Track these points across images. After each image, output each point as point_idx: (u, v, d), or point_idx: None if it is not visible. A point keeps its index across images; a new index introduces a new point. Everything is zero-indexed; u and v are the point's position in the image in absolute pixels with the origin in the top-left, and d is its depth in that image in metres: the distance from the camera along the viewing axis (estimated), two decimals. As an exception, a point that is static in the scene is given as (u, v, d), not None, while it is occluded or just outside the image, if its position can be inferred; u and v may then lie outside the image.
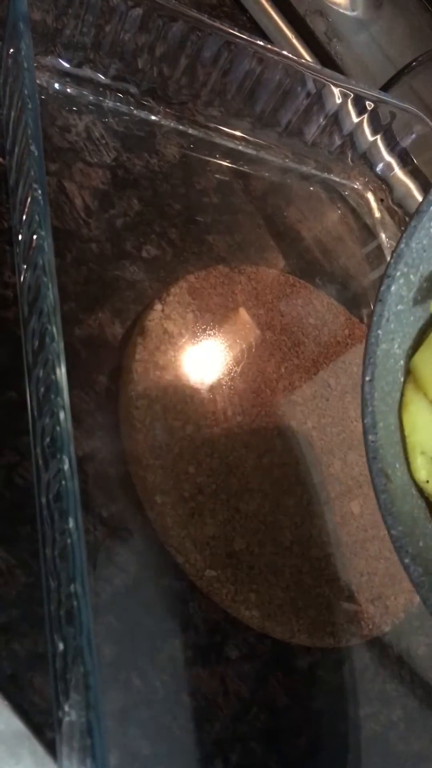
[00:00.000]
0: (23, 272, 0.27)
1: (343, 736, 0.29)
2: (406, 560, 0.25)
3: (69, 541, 0.20)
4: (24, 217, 0.27)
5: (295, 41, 0.52)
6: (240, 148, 0.44)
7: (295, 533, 0.32)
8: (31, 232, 0.25)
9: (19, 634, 0.23)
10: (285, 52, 0.39)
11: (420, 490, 0.28)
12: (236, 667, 0.27)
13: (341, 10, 0.53)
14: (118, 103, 0.38)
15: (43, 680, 0.23)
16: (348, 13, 0.53)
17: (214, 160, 0.42)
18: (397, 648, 0.33)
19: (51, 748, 0.22)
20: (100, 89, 0.38)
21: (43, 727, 0.22)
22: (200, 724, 0.26)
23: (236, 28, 0.37)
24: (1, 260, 0.29)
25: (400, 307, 0.28)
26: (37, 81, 0.35)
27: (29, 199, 0.25)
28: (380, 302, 0.28)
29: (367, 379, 0.27)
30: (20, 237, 0.28)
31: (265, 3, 0.52)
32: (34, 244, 0.24)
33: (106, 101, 0.38)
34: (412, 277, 0.28)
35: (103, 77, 0.38)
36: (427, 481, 0.27)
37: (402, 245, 0.28)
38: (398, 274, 0.28)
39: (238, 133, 0.43)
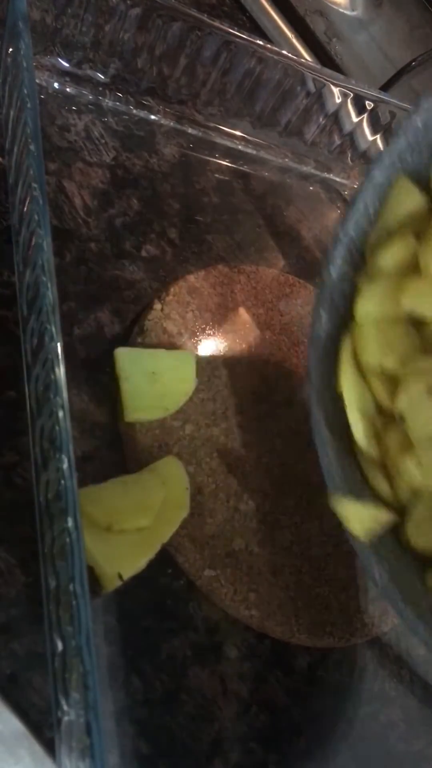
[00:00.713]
0: (22, 271, 0.27)
1: (343, 736, 0.29)
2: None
3: (68, 540, 0.20)
4: (23, 217, 0.27)
5: (295, 41, 0.52)
6: (240, 147, 0.44)
7: (295, 533, 0.32)
8: (30, 232, 0.25)
9: (19, 633, 0.23)
10: (285, 52, 0.39)
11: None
12: (236, 667, 0.27)
13: (341, 10, 0.53)
14: (118, 103, 0.38)
15: (42, 680, 0.23)
16: (348, 12, 0.53)
17: (214, 160, 0.42)
18: (397, 648, 0.33)
19: (50, 747, 0.22)
20: (100, 89, 0.38)
21: (42, 726, 0.22)
22: (200, 724, 0.26)
23: (236, 28, 0.37)
24: (0, 259, 0.29)
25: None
26: (37, 80, 0.35)
27: (28, 199, 0.25)
28: (322, 283, 0.28)
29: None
30: (19, 236, 0.28)
31: (265, 3, 0.52)
32: (33, 243, 0.24)
33: (106, 101, 0.38)
34: (356, 252, 0.29)
35: (102, 77, 0.38)
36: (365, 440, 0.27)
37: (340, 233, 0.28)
38: (338, 256, 0.28)
39: (237, 133, 0.43)
